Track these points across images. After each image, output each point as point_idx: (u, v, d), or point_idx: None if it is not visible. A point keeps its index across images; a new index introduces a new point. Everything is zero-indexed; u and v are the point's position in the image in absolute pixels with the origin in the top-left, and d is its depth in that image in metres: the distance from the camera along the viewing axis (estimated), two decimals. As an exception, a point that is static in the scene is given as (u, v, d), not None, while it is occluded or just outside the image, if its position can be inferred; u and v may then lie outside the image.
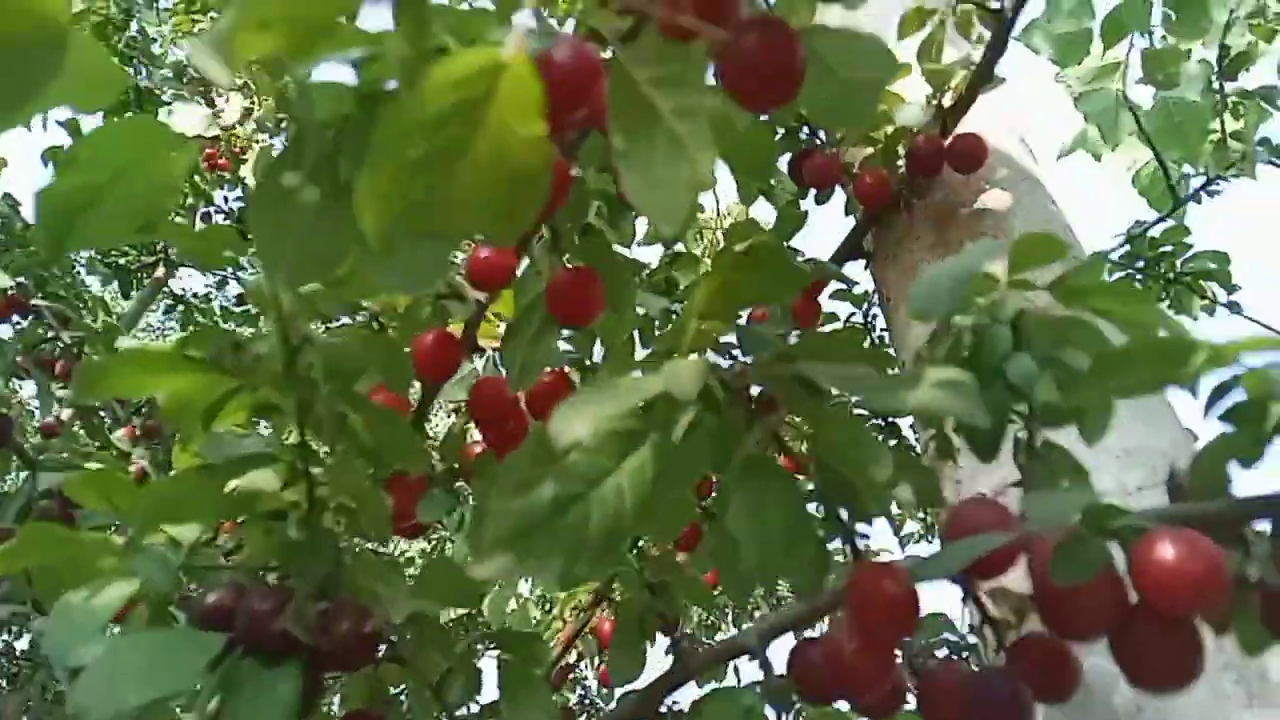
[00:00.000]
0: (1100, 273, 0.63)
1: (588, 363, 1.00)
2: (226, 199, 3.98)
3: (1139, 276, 2.47)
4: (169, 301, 4.37)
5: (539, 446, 0.50)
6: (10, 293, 1.92)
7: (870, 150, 1.34)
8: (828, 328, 1.62)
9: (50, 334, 1.92)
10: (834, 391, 0.51)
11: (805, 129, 1.38)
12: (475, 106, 0.32)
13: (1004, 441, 0.64)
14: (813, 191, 1.39)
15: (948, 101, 1.22)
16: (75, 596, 0.56)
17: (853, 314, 2.01)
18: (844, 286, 1.51)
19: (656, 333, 1.43)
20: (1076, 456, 0.63)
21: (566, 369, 0.92)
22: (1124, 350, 0.51)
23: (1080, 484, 0.61)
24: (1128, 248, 2.44)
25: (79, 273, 2.76)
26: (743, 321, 0.68)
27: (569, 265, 0.77)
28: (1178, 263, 2.48)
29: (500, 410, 0.86)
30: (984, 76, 1.18)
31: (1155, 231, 2.44)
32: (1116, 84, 2.44)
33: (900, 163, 1.29)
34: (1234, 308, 2.46)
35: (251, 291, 0.59)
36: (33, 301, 1.97)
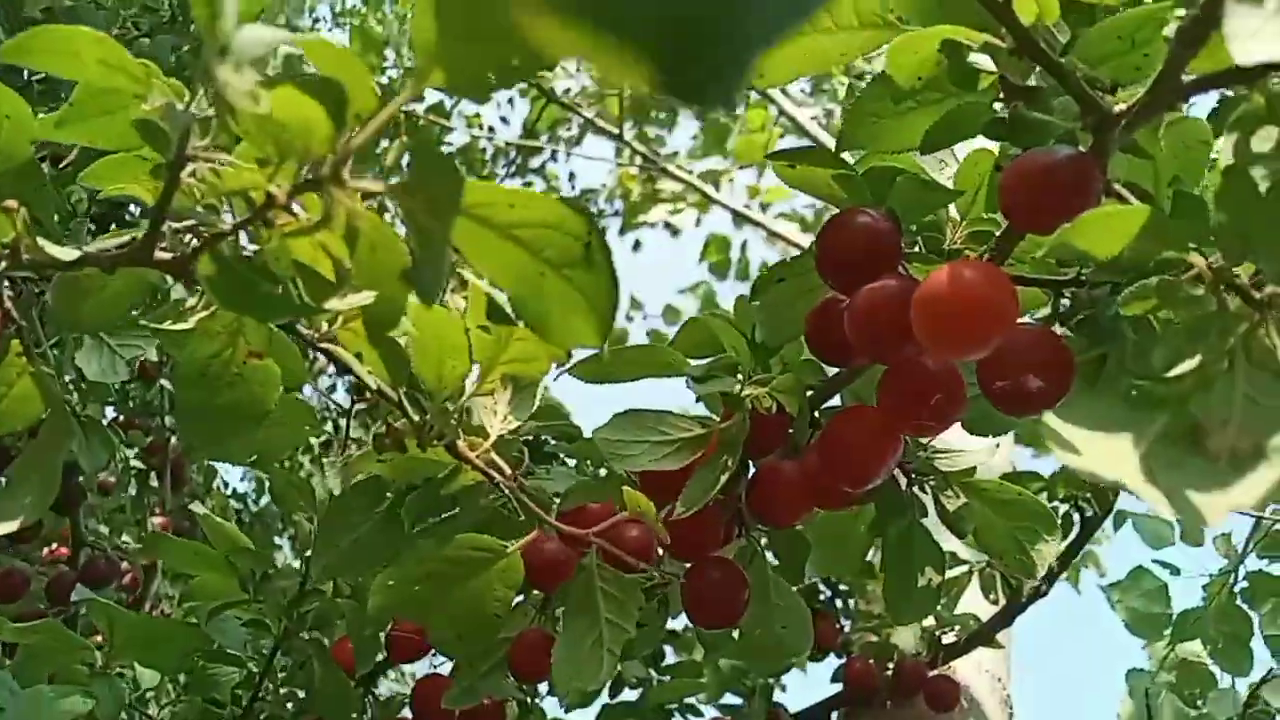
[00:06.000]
0: None
1: (529, 702, 1.10)
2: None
3: None
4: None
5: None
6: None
7: (873, 638, 1.46)
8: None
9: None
10: None
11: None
12: (475, 567, 0.48)
13: None
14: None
15: (947, 639, 1.34)
16: (49, 690, 0.68)
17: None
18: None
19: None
20: None
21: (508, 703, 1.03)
22: None
23: None
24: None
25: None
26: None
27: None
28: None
29: (433, 708, 0.98)
30: (985, 639, 1.31)
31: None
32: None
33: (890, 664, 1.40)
34: None
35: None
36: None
